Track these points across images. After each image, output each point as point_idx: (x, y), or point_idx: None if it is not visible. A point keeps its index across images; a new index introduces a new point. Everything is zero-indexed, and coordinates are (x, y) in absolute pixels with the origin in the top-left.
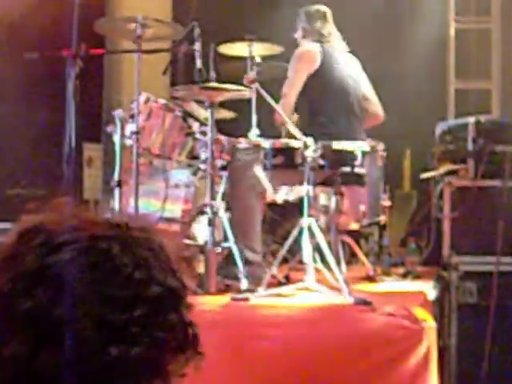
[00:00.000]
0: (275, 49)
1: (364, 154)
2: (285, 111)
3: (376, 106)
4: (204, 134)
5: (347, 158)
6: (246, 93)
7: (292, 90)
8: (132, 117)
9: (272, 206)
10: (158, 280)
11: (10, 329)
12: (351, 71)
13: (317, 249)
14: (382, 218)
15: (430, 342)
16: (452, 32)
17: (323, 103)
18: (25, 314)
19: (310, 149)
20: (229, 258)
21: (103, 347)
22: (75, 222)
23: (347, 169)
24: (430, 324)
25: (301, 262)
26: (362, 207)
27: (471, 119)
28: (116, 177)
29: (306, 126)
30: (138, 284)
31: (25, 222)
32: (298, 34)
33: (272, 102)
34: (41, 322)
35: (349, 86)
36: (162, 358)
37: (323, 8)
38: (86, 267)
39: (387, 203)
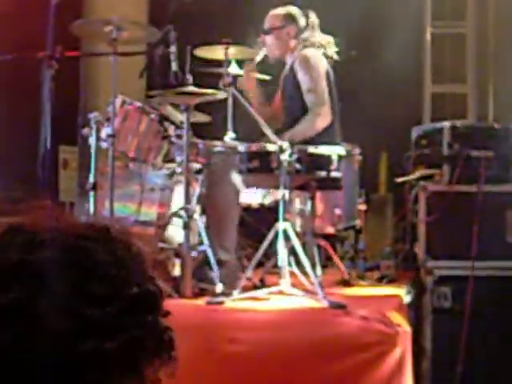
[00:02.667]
0: (251, 52)
1: (340, 158)
2: (321, 103)
3: None
4: (180, 137)
5: (323, 162)
6: (222, 96)
7: (319, 83)
8: (108, 120)
9: (247, 209)
10: (135, 281)
11: None
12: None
13: (292, 252)
14: (358, 222)
15: (404, 346)
16: (428, 36)
17: None
18: (1, 310)
19: (286, 153)
20: (204, 261)
21: (77, 340)
22: (56, 222)
23: (323, 173)
24: (405, 328)
25: (276, 265)
26: (338, 211)
27: (447, 123)
28: (91, 180)
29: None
30: (117, 282)
31: (5, 223)
32: (283, 37)
33: (247, 105)
34: (16, 317)
35: (335, 93)
36: (136, 357)
37: (310, 13)
38: (67, 264)
39: (363, 207)
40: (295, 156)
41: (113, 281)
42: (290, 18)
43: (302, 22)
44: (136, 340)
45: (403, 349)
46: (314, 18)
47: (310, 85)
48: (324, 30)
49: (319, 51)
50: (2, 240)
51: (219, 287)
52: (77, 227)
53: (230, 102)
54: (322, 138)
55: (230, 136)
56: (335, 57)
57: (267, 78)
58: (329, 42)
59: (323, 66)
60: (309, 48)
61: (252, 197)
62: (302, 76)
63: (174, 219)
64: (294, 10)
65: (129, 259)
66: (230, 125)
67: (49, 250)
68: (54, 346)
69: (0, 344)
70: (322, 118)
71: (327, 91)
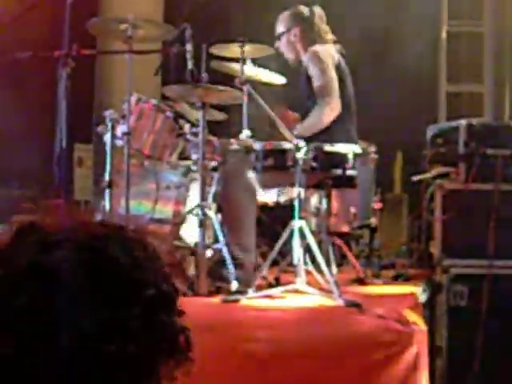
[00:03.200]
0: (267, 50)
1: (356, 156)
2: (327, 96)
3: None
4: (195, 135)
5: (339, 160)
6: (238, 94)
7: (326, 75)
8: (123, 117)
9: (263, 207)
10: (152, 282)
11: (2, 326)
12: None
13: (307, 251)
14: (373, 221)
15: (420, 344)
16: (444, 35)
17: None
18: (16, 312)
19: (302, 151)
20: (219, 259)
21: (102, 342)
22: (71, 222)
23: (339, 171)
24: (421, 327)
25: (291, 264)
26: (353, 209)
27: (463, 122)
28: (107, 178)
29: None
30: (134, 284)
31: (20, 222)
32: (293, 37)
33: (263, 103)
34: (31, 319)
35: (350, 88)
36: (153, 358)
37: (316, 10)
38: (83, 265)
39: (378, 206)
40: (311, 154)
41: (129, 282)
42: (294, 19)
43: (307, 19)
44: (154, 341)
45: (419, 347)
46: (319, 11)
47: (318, 80)
48: (340, 30)
49: (331, 46)
50: (14, 240)
51: (234, 285)
52: (91, 227)
53: (245, 100)
54: (338, 136)
55: (245, 134)
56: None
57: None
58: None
59: (333, 59)
60: (320, 44)
61: (267, 195)
62: (311, 71)
63: (190, 217)
64: (298, 9)
65: (145, 259)
66: (245, 123)
67: (63, 250)
68: (78, 346)
69: (19, 342)
70: (330, 110)
71: (337, 85)
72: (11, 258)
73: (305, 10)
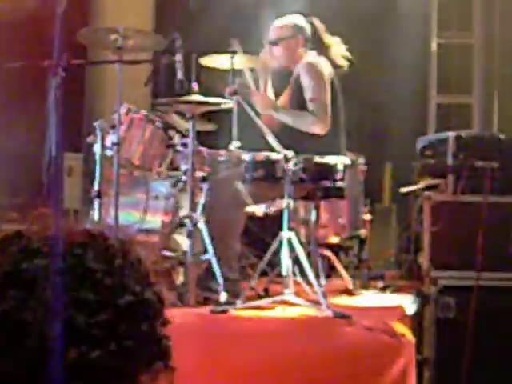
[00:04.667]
0: (257, 61)
1: (345, 167)
2: (322, 113)
3: None
4: (185, 145)
5: (328, 171)
6: (227, 105)
7: (323, 92)
8: (113, 127)
9: (252, 218)
10: (131, 289)
11: None
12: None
13: (296, 262)
14: (362, 232)
15: (408, 356)
16: (434, 47)
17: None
18: None
19: (291, 162)
20: (208, 270)
21: (64, 348)
22: (53, 230)
23: (328, 183)
24: (409, 338)
25: (280, 275)
26: (342, 221)
27: (452, 134)
28: (96, 187)
29: (297, 138)
30: (108, 290)
31: (5, 231)
32: (290, 48)
33: (253, 113)
34: (6, 325)
35: (340, 100)
36: (129, 366)
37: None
38: (59, 272)
39: (367, 217)
40: (300, 165)
41: (105, 289)
42: (299, 28)
43: (308, 31)
44: (126, 349)
45: (407, 359)
46: (318, 24)
47: (314, 94)
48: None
49: (324, 59)
50: None
51: (223, 296)
52: (73, 235)
53: (235, 110)
54: (327, 147)
55: (234, 145)
56: (343, 62)
57: None
58: (337, 43)
59: (328, 73)
60: (313, 54)
61: (256, 205)
62: (306, 83)
63: (179, 228)
64: (300, 19)
65: (125, 267)
66: (234, 134)
67: (42, 258)
68: (41, 352)
69: None
70: (320, 126)
71: (330, 100)
72: None
73: (304, 20)
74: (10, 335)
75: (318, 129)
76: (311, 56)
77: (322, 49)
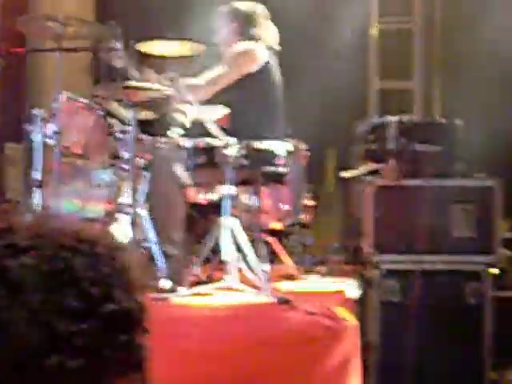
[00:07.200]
0: (197, 48)
1: (286, 153)
2: (204, 95)
3: None
4: (125, 133)
5: (269, 157)
6: (167, 92)
7: (224, 80)
8: (53, 116)
9: (194, 205)
10: (115, 299)
11: None
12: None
13: (239, 248)
14: (305, 218)
15: (351, 340)
16: (374, 32)
17: (261, 103)
18: None
19: (232, 148)
20: (150, 258)
21: (44, 355)
22: (43, 229)
23: (269, 168)
24: (352, 322)
25: (223, 261)
26: (285, 206)
27: (393, 118)
28: (37, 177)
29: (237, 124)
30: (94, 299)
31: None
32: (229, 33)
33: (192, 100)
34: None
35: (279, 87)
36: (106, 375)
37: (257, 7)
38: (45, 274)
39: (311, 203)
40: (241, 151)
41: (89, 297)
42: (234, 15)
43: (248, 16)
44: (105, 358)
45: (350, 343)
46: (261, 10)
47: (219, 75)
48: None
49: (262, 44)
50: None
51: (165, 283)
52: (61, 236)
53: (175, 97)
54: (267, 132)
55: (176, 132)
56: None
57: None
58: (273, 33)
59: (262, 59)
60: (247, 42)
61: (199, 192)
62: (222, 65)
63: (121, 216)
64: (239, 5)
65: (112, 276)
66: (175, 121)
67: (28, 257)
68: (18, 357)
69: None
70: (199, 95)
71: (267, 87)
72: None
73: (246, 5)
74: None
75: (198, 96)
76: (244, 44)
77: (261, 34)
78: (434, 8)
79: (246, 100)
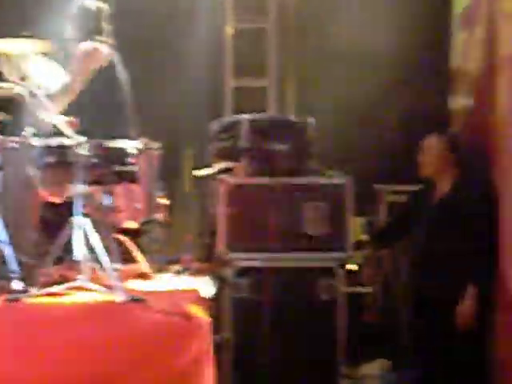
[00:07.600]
0: (48, 46)
1: (136, 151)
2: (61, 104)
3: None
4: None
5: (119, 155)
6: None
7: (74, 85)
8: None
9: (47, 204)
10: None
11: None
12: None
13: (91, 247)
14: (159, 216)
15: (204, 337)
16: (229, 31)
17: (107, 102)
18: None
19: (82, 147)
20: (1, 258)
21: None
22: None
23: (119, 166)
24: (204, 320)
25: (76, 260)
26: (138, 205)
27: (245, 116)
28: None
29: (89, 124)
30: None
31: None
32: (73, 32)
33: (44, 100)
34: None
35: (125, 87)
36: None
37: (98, 4)
38: None
39: (165, 201)
40: (91, 150)
41: None
42: (81, 13)
43: (94, 14)
44: None
45: (203, 340)
46: (102, 7)
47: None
48: (119, 24)
49: (103, 45)
50: None
51: (17, 284)
52: None
53: (26, 97)
54: (117, 132)
55: (28, 131)
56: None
57: None
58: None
59: (104, 58)
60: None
61: (52, 192)
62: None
63: None
64: (86, 3)
65: None
66: (28, 120)
67: None
68: None
69: None
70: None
71: (110, 85)
72: None
73: (93, 4)
74: None
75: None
76: (88, 43)
77: (102, 33)
78: (288, 7)
79: (92, 100)
